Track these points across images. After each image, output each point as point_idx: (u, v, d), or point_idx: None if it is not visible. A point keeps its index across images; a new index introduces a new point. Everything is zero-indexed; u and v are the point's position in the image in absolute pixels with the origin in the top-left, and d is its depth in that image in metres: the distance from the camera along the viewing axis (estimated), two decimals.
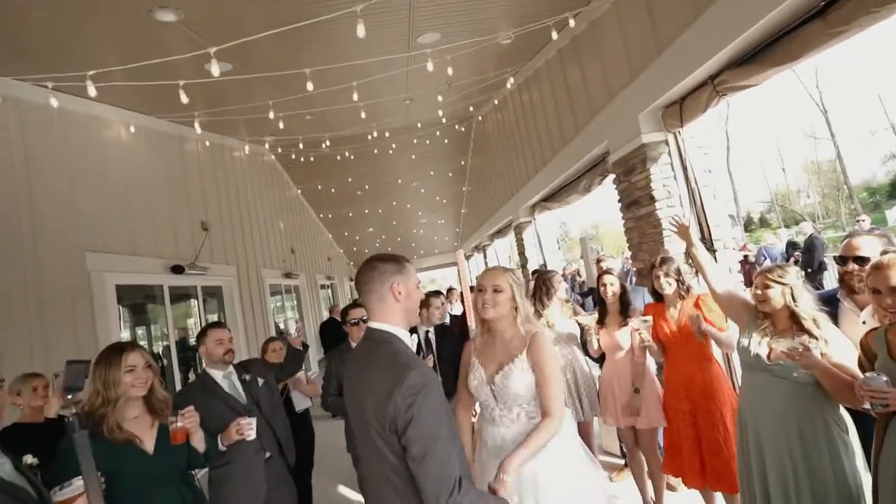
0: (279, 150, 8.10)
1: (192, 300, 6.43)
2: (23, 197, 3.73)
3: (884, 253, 1.58)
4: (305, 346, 2.95)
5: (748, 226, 32.90)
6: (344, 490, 4.04)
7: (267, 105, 4.85)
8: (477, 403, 1.84)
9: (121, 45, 3.86)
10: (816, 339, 1.81)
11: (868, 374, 1.45)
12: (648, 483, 2.86)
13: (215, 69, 3.18)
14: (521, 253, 7.75)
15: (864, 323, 1.96)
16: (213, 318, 6.65)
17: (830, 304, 2.00)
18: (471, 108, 7.96)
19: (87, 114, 4.56)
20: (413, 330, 3.05)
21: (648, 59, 3.50)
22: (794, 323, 1.89)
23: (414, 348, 1.41)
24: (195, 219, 6.20)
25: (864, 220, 7.10)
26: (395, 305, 1.34)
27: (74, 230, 4.12)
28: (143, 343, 6.04)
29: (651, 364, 2.87)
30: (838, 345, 1.80)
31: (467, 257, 13.06)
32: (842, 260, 1.99)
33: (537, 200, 6.89)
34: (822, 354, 1.76)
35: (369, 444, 1.24)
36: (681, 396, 2.48)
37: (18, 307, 3.49)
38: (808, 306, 1.86)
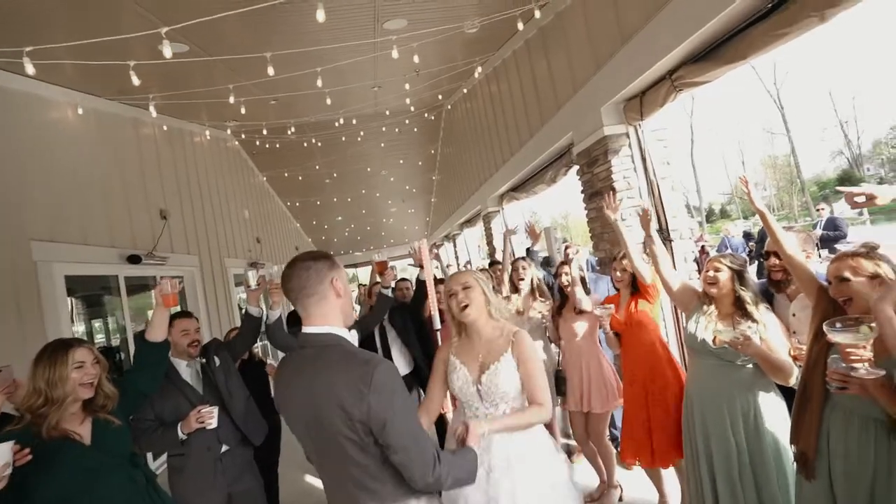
0: (243, 136, 7.85)
1: (151, 291, 6.20)
2: None
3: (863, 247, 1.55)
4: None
5: (710, 216, 34.30)
6: (311, 479, 4.04)
7: (227, 89, 4.69)
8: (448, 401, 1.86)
9: (65, 21, 3.62)
10: (757, 322, 1.94)
11: (832, 358, 1.45)
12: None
13: (167, 50, 3.04)
14: (490, 243, 7.83)
15: (794, 315, 2.11)
16: (175, 310, 6.42)
17: (766, 294, 2.15)
18: (440, 97, 7.91)
19: (28, 93, 4.27)
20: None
21: (611, 52, 3.57)
22: (738, 308, 2.02)
23: (356, 344, 1.37)
24: (153, 206, 5.95)
25: (823, 209, 7.52)
26: (335, 303, 1.28)
27: (18, 218, 3.88)
28: (98, 336, 5.81)
29: (607, 353, 2.99)
30: (774, 329, 1.96)
31: (437, 246, 13.08)
32: (765, 255, 2.15)
33: (505, 190, 6.95)
34: (761, 338, 1.90)
35: (334, 452, 1.21)
36: (633, 380, 2.60)
37: None
38: (751, 292, 1.99)
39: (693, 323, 2.12)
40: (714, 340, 1.99)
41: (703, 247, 10.06)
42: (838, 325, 1.32)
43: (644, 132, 3.64)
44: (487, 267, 4.62)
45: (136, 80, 3.47)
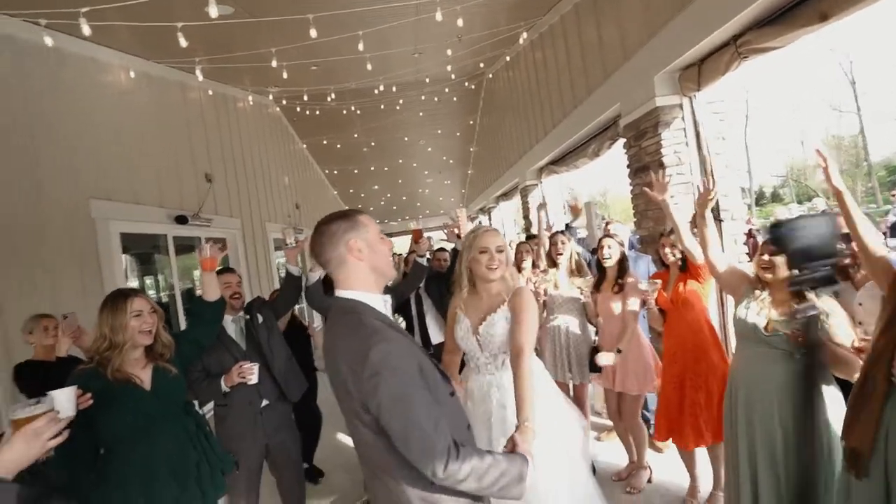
0: (284, 103, 7.92)
1: (195, 253, 6.48)
2: (24, 141, 3.68)
3: None
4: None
5: (759, 200, 32.35)
6: (344, 439, 4.20)
7: (270, 53, 4.70)
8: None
9: None
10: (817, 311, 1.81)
11: None
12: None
13: (213, 10, 3.06)
14: (526, 217, 7.69)
15: (860, 304, 1.95)
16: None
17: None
18: (481, 65, 7.68)
19: (84, 55, 4.43)
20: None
21: (670, 16, 3.32)
22: (794, 295, 1.88)
23: (389, 311, 1.27)
24: (199, 169, 6.15)
25: None
26: (357, 266, 1.19)
27: (77, 177, 4.09)
28: (150, 293, 6.16)
29: (643, 332, 2.91)
30: (838, 318, 1.81)
31: (472, 219, 13.00)
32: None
33: (545, 163, 6.76)
34: (822, 326, 1.77)
35: (353, 423, 1.17)
36: (674, 360, 2.52)
37: (25, 252, 3.52)
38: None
39: (743, 308, 2.00)
40: (766, 327, 1.88)
41: (750, 230, 9.55)
42: None
43: (699, 104, 3.41)
44: (525, 240, 4.54)
45: (183, 42, 3.52)
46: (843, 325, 1.81)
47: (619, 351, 2.68)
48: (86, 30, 3.13)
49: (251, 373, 2.30)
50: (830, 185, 1.66)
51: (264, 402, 2.46)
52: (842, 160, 31.03)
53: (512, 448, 1.24)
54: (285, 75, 5.17)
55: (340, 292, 1.21)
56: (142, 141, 5.08)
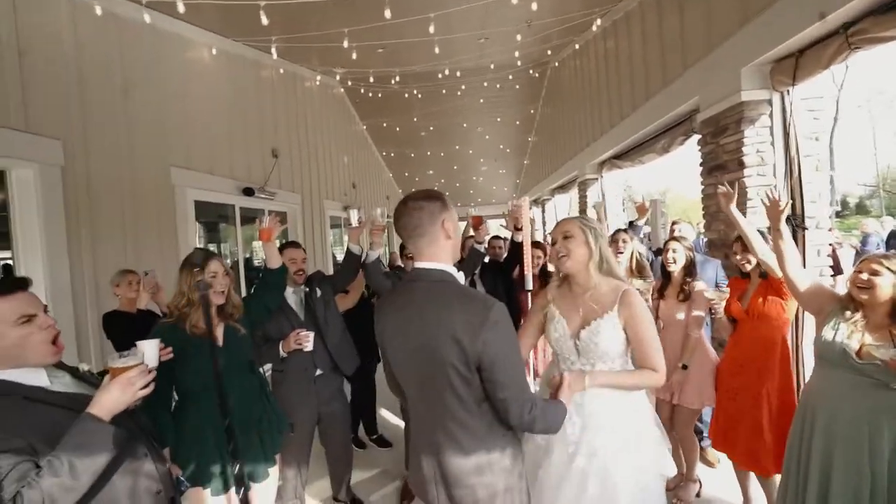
0: (349, 84, 8.07)
1: (256, 222, 6.79)
2: (120, 109, 3.99)
3: None
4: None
5: (842, 211, 29.58)
6: (386, 414, 4.31)
7: (341, 34, 4.79)
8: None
9: None
10: None
11: None
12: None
13: None
14: (583, 211, 7.46)
15: None
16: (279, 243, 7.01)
17: None
18: (549, 52, 7.45)
19: (174, 33, 4.73)
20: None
21: (766, 3, 3.05)
22: (892, 319, 1.70)
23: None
24: (266, 145, 6.43)
25: None
26: (447, 244, 1.31)
27: (162, 145, 4.40)
28: None
29: (707, 342, 2.74)
30: None
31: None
32: None
33: (607, 157, 6.50)
34: None
35: (438, 383, 1.23)
36: (734, 372, 2.37)
37: (115, 212, 3.85)
38: None
39: (831, 329, 1.80)
40: (859, 353, 1.71)
41: (830, 244, 8.69)
42: None
43: (792, 100, 3.13)
44: (623, 229, 4.41)
45: (264, 20, 3.65)
46: None
47: (684, 367, 2.56)
48: (181, 7, 3.31)
49: (307, 340, 2.39)
50: (774, 222, 1.50)
51: (318, 372, 2.56)
52: None
53: (559, 383, 1.44)
54: (354, 56, 5.26)
55: (427, 263, 1.30)
56: (218, 115, 5.37)
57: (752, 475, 2.46)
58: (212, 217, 6.13)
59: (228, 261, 6.50)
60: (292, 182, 7.12)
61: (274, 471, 2.07)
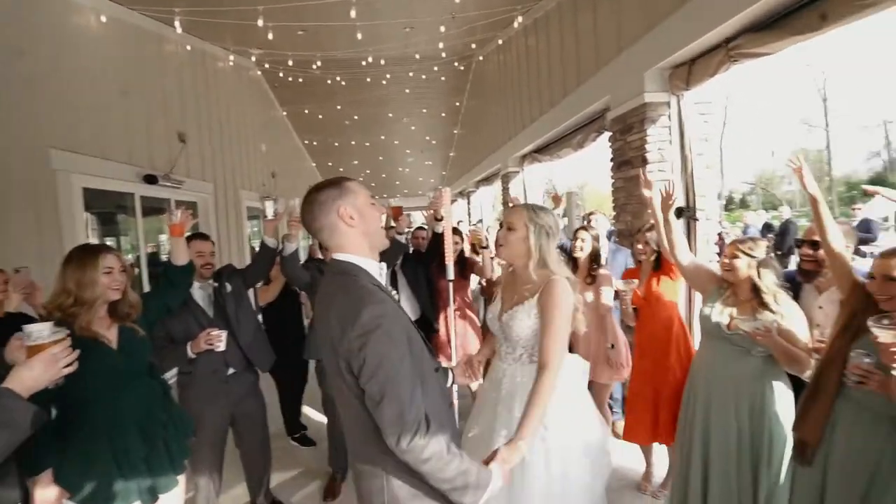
0: (266, 66, 7.60)
1: (164, 215, 6.22)
2: None
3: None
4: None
5: (728, 205, 33.45)
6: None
7: (255, 11, 4.48)
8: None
9: None
10: (773, 312, 1.90)
11: (855, 353, 1.45)
12: None
13: None
14: (506, 203, 7.71)
15: (820, 308, 2.05)
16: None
17: (793, 282, 2.10)
18: (473, 46, 7.56)
19: None
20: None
21: (666, 13, 3.32)
22: (755, 296, 1.97)
23: (384, 279, 1.28)
24: (171, 128, 5.87)
25: (859, 209, 7.35)
26: (350, 231, 1.19)
27: (36, 123, 3.83)
28: None
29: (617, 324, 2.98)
30: (794, 319, 1.91)
31: (453, 201, 12.95)
32: (799, 243, 2.07)
33: (528, 151, 6.76)
34: (780, 328, 1.86)
35: (339, 384, 1.17)
36: (644, 355, 2.60)
37: None
38: (769, 281, 1.94)
39: (709, 306, 2.08)
40: (729, 325, 1.96)
41: (719, 233, 9.90)
42: (885, 321, 1.27)
43: (686, 103, 3.46)
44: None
45: None
46: (801, 325, 1.91)
47: (612, 346, 2.77)
48: None
49: (219, 340, 2.24)
50: (806, 191, 1.72)
51: (231, 371, 2.41)
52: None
53: (491, 458, 1.23)
54: (271, 36, 4.95)
55: (336, 255, 1.22)
56: (111, 92, 4.80)
57: (654, 445, 2.72)
58: (108, 207, 5.49)
59: (129, 255, 5.88)
60: (203, 170, 6.58)
61: (183, 479, 1.92)
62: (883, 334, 1.27)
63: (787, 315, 1.90)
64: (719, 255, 3.76)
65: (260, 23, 4.48)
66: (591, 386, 2.91)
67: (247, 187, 8.11)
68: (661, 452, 2.73)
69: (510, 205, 2.62)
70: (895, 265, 1.45)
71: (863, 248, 6.01)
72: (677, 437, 2.27)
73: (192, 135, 6.26)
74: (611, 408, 3.34)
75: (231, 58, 7.19)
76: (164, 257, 6.24)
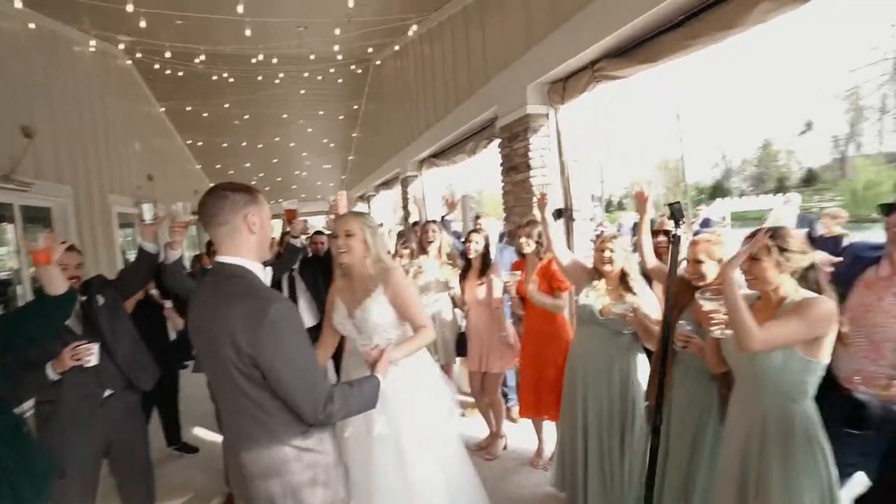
0: (138, 56, 6.84)
1: (5, 224, 5.24)
2: None
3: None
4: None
5: (608, 206, 37.67)
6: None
7: None
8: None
9: None
10: (636, 294, 2.25)
11: (680, 322, 1.84)
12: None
13: None
14: (405, 206, 7.85)
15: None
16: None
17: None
18: (370, 50, 7.58)
19: None
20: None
21: (543, 34, 3.70)
22: (622, 284, 2.31)
23: (268, 283, 1.37)
24: (14, 121, 5.02)
25: (702, 209, 8.80)
26: (248, 237, 1.26)
27: None
28: None
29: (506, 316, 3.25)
30: (649, 301, 2.28)
31: (353, 205, 12.75)
32: (654, 233, 2.51)
33: (426, 156, 6.97)
34: (637, 308, 2.21)
35: (228, 383, 1.21)
36: (530, 340, 2.88)
37: None
38: (635, 270, 2.30)
39: (584, 296, 2.38)
40: (602, 311, 2.27)
41: (601, 231, 11.21)
42: (707, 294, 1.60)
43: (563, 116, 3.87)
44: (411, 227, 4.67)
45: None
46: (655, 306, 2.28)
47: (504, 336, 3.01)
48: None
49: (89, 353, 1.96)
50: (642, 215, 2.20)
51: (108, 392, 2.18)
52: (667, 179, 37.64)
53: (377, 357, 1.49)
54: (143, 24, 4.49)
55: (225, 258, 1.26)
56: None
57: (543, 423, 3.02)
58: None
59: None
60: (58, 171, 5.71)
61: None
62: (707, 304, 1.60)
63: (643, 298, 2.27)
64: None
65: (129, 8, 4.04)
66: (486, 376, 3.15)
67: (118, 191, 7.20)
68: (550, 431, 3.03)
69: (335, 215, 2.94)
70: (699, 251, 1.87)
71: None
72: (562, 413, 2.56)
73: (42, 129, 5.40)
74: (505, 395, 3.61)
75: (92, 42, 6.35)
76: (3, 275, 5.29)
